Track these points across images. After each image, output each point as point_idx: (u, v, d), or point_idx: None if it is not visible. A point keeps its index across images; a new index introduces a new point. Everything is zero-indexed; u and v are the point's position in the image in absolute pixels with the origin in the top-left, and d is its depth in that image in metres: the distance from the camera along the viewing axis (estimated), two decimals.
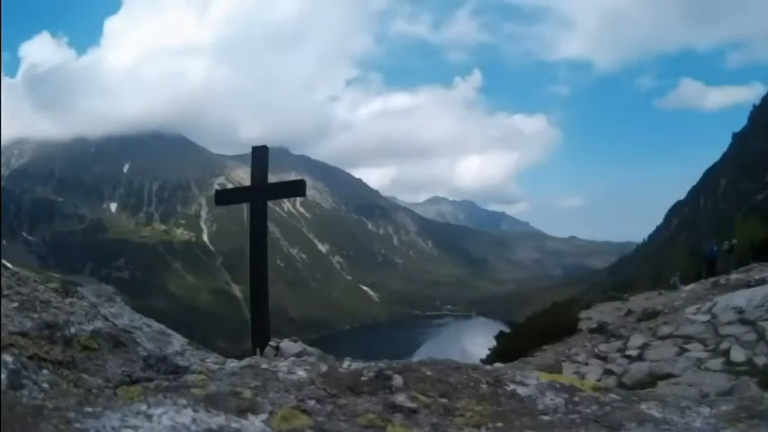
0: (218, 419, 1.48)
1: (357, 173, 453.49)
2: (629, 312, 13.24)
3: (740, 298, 9.56)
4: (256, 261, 6.31)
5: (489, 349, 19.42)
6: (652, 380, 7.18)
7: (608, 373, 8.40)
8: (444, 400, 1.87)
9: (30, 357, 1.61)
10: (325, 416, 1.68)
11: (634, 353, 8.90)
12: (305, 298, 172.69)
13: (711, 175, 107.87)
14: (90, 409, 1.38)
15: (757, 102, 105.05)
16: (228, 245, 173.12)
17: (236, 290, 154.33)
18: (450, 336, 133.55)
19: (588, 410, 1.86)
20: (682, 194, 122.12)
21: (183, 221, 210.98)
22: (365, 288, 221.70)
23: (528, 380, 2.06)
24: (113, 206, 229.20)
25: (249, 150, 6.63)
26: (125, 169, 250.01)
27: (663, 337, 9.21)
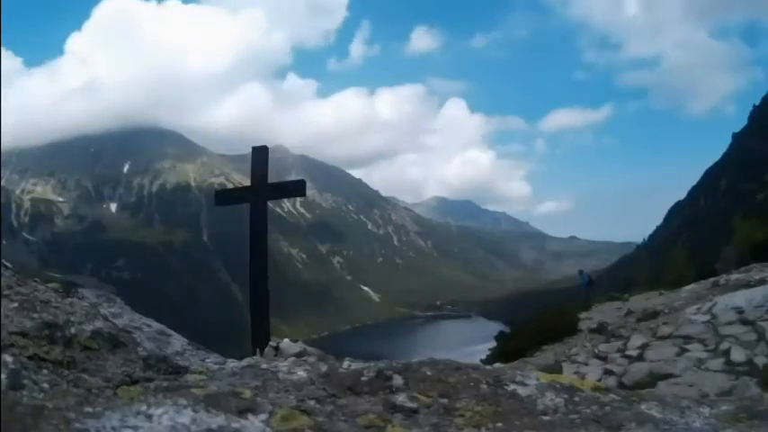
0: (218, 419, 1.48)
1: (357, 172, 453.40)
2: (629, 312, 13.24)
3: (740, 298, 9.55)
4: (256, 261, 6.31)
5: (489, 349, 19.44)
6: (652, 380, 7.17)
7: (608, 373, 8.39)
8: (444, 400, 1.87)
9: (30, 357, 1.61)
10: (325, 416, 1.68)
11: (634, 353, 8.90)
12: (305, 298, 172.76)
13: (711, 175, 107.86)
14: (90, 409, 1.38)
15: (757, 102, 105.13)
16: (228, 245, 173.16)
17: (236, 290, 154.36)
18: (450, 336, 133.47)
19: (588, 410, 1.86)
20: (682, 194, 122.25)
21: (183, 221, 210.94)
22: (365, 288, 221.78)
23: (528, 380, 2.06)
24: (113, 206, 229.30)
25: (249, 150, 6.63)
26: (125, 169, 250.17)
27: (663, 338, 9.21)
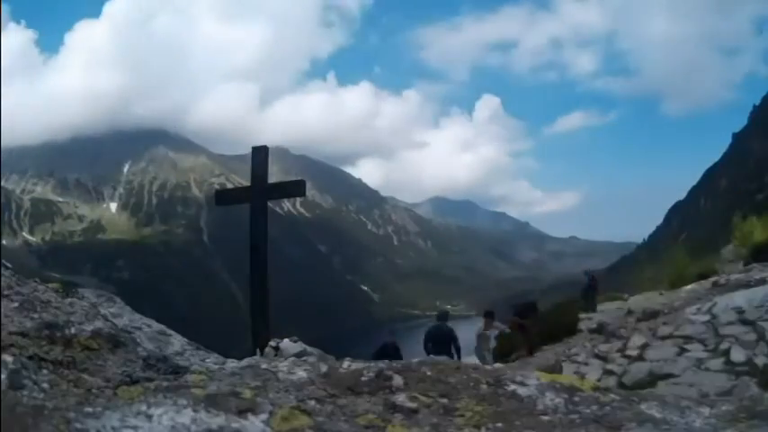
0: (218, 419, 1.48)
1: (357, 172, 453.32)
2: (629, 312, 13.24)
3: (740, 298, 9.54)
4: (257, 261, 6.32)
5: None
6: (652, 380, 7.18)
7: (608, 373, 8.40)
8: (444, 400, 1.87)
9: (30, 357, 1.61)
10: (325, 416, 1.68)
11: (634, 353, 8.90)
12: (305, 298, 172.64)
13: (711, 175, 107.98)
14: (90, 409, 1.38)
15: (757, 102, 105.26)
16: (228, 245, 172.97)
17: (236, 290, 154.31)
18: None
19: (588, 410, 1.86)
20: (682, 194, 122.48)
21: (183, 221, 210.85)
22: (365, 288, 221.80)
23: (528, 380, 2.06)
24: (113, 206, 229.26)
25: (249, 150, 6.64)
26: (125, 169, 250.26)
27: (663, 338, 9.20)
